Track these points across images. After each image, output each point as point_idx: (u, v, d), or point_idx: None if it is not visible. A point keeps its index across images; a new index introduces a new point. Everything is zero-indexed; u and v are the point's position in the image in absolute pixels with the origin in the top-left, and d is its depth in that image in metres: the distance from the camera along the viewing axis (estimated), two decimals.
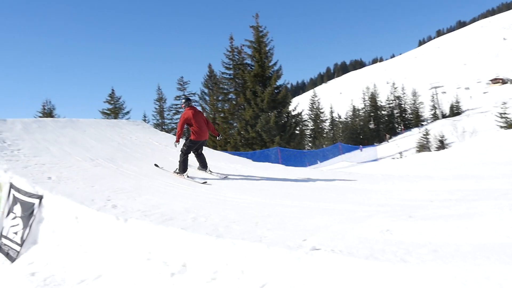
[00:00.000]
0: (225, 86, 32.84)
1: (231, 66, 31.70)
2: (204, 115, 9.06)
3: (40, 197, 6.14)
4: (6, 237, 6.40)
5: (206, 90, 37.88)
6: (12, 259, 5.98)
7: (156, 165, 8.89)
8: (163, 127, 40.50)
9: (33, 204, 6.18)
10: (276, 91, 29.23)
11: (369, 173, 10.77)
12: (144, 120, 34.48)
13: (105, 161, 8.59)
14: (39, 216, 6.08)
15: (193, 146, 8.60)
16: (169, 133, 24.04)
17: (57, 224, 5.85)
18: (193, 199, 6.10)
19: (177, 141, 8.66)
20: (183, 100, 8.91)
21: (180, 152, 8.55)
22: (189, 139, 8.64)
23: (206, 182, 7.86)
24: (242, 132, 28.69)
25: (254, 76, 29.20)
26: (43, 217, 6.05)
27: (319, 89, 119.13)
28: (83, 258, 5.19)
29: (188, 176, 8.26)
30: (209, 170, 8.76)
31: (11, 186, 6.70)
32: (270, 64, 29.66)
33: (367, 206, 5.38)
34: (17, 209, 6.41)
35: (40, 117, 33.37)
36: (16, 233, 6.24)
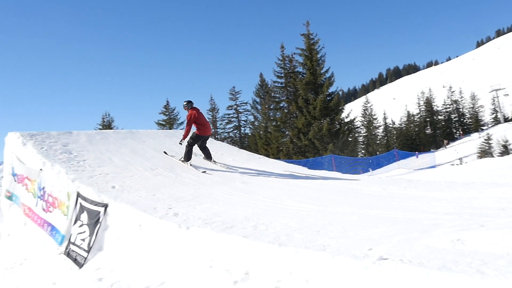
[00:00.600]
0: (277, 95, 32.93)
1: (282, 75, 31.79)
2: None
3: (105, 206, 6.37)
4: (74, 244, 6.69)
5: (257, 99, 38.20)
6: (80, 265, 6.23)
7: (165, 152, 10.40)
8: (216, 136, 41.12)
9: (99, 212, 6.43)
10: (328, 98, 28.98)
11: (430, 180, 10.39)
12: None
13: (165, 171, 8.82)
14: (104, 223, 6.31)
15: (198, 140, 9.89)
16: (222, 142, 24.37)
17: (121, 231, 6.05)
18: (252, 207, 6.11)
19: (183, 139, 9.89)
20: (185, 103, 10.07)
21: (187, 144, 9.83)
22: (195, 134, 9.84)
23: (205, 171, 9.19)
24: (294, 140, 28.64)
25: (306, 84, 29.12)
26: (108, 225, 6.28)
27: (372, 95, 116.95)
28: (147, 264, 5.33)
29: (191, 165, 9.63)
30: (213, 161, 10.18)
31: (78, 195, 7.01)
32: (322, 71, 29.48)
33: (432, 214, 5.17)
34: (84, 217, 6.69)
35: (100, 129, 34.81)
36: (83, 240, 6.51)
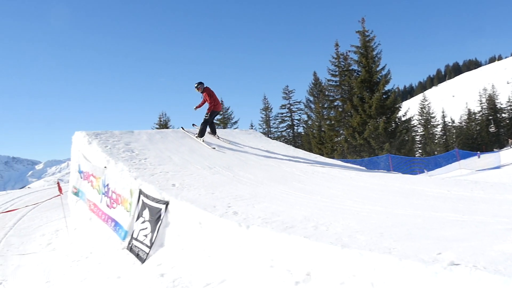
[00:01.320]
0: (331, 93, 32.46)
1: (337, 73, 31.30)
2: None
3: (166, 203, 6.53)
4: (136, 239, 6.91)
5: (311, 98, 37.91)
6: (142, 260, 6.42)
7: (182, 128, 11.93)
8: (269, 135, 41.19)
9: (160, 209, 6.60)
10: (384, 96, 28.22)
11: (497, 181, 9.85)
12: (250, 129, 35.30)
13: (222, 169, 8.92)
14: (165, 220, 6.47)
15: (214, 115, 11.36)
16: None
17: (182, 228, 6.17)
18: (311, 207, 6.04)
19: (208, 112, 11.20)
20: (199, 84, 11.36)
21: (203, 120, 11.15)
22: (211, 110, 11.11)
23: (214, 148, 10.59)
24: (349, 139, 28.13)
25: (361, 82, 28.51)
26: (169, 222, 6.43)
27: (429, 93, 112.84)
28: (207, 262, 5.40)
29: (203, 141, 10.92)
30: (217, 136, 11.68)
31: (140, 192, 7.23)
32: (378, 69, 28.73)
33: (504, 219, 4.88)
34: (146, 213, 6.89)
35: (157, 128, 35.81)
36: (145, 235, 6.71)
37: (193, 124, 12.08)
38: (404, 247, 3.88)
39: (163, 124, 38.38)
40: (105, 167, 8.60)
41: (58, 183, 10.59)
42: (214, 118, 11.66)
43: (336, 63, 31.41)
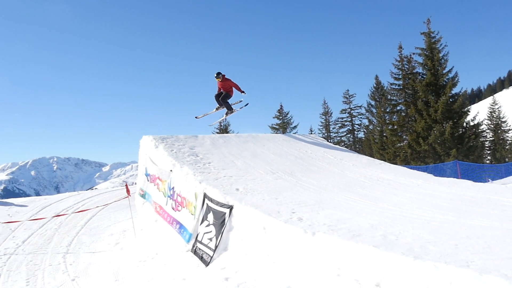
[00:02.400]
0: (394, 97, 31.42)
1: (400, 76, 30.29)
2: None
3: (231, 207, 6.58)
4: (200, 242, 7.01)
5: (373, 102, 36.98)
6: (206, 263, 6.51)
7: (196, 117, 13.61)
8: (329, 140, 40.69)
9: (224, 213, 6.65)
10: (451, 100, 26.95)
11: None
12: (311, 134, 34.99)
13: (285, 174, 8.88)
14: (229, 224, 6.51)
15: (230, 97, 13.16)
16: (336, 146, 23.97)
17: (246, 233, 6.18)
18: (378, 215, 5.86)
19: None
20: (220, 73, 12.75)
21: (225, 101, 13.01)
22: (228, 94, 12.96)
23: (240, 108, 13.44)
24: (413, 145, 27.11)
25: (426, 85, 27.38)
26: (233, 226, 6.47)
27: (500, 96, 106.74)
28: (271, 268, 5.37)
29: (235, 110, 13.32)
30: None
31: (205, 196, 7.34)
32: (444, 71, 27.49)
33: None
34: (211, 217, 6.98)
35: (218, 132, 36.38)
36: (210, 239, 6.79)
37: (196, 117, 13.96)
38: (483, 260, 3.65)
39: (223, 129, 38.94)
40: (171, 170, 8.82)
41: (126, 185, 11.00)
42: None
43: (400, 66, 30.41)
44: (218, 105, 13.34)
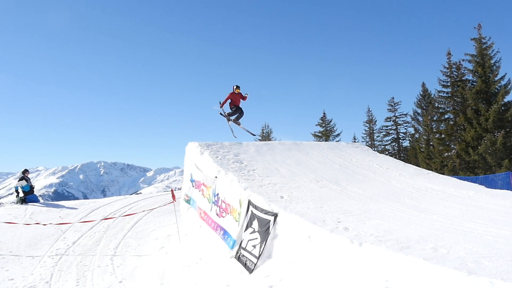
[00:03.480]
0: (442, 105, 30.50)
1: (448, 84, 29.38)
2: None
3: (275, 215, 6.56)
4: (244, 249, 7.03)
5: (419, 110, 35.98)
6: (250, 270, 6.51)
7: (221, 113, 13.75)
8: (373, 149, 39.90)
9: (269, 221, 6.65)
10: (503, 108, 25.86)
11: None
12: (354, 142, 34.47)
13: (330, 183, 8.79)
14: (273, 232, 6.50)
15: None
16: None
17: (290, 241, 6.15)
18: (427, 227, 5.68)
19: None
20: (238, 86, 13.51)
21: (234, 114, 13.68)
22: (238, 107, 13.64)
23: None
24: (461, 155, 26.19)
25: (477, 93, 26.41)
26: (277, 234, 6.45)
27: None
28: (317, 277, 5.31)
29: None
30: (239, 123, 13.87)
31: (250, 203, 7.36)
32: (496, 78, 26.44)
33: None
34: (255, 224, 6.99)
35: (260, 140, 36.50)
36: (254, 246, 6.80)
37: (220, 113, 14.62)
38: None
39: (266, 136, 38.99)
40: (216, 177, 8.91)
41: (172, 190, 11.20)
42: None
43: (448, 73, 29.51)
44: (233, 118, 13.89)
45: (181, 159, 11.26)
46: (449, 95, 29.54)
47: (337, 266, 5.16)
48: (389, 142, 40.95)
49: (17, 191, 15.01)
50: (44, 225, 11.24)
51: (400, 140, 40.68)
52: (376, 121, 41.43)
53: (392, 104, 39.61)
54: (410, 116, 37.55)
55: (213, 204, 8.85)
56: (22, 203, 14.53)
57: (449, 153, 28.95)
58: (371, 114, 41.77)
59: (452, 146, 28.98)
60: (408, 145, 39.19)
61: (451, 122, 29.37)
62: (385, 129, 40.79)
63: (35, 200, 15.06)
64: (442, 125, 30.58)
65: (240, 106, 13.76)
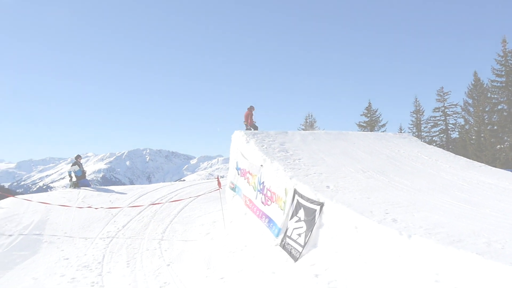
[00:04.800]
0: (495, 95, 29.29)
1: (503, 73, 28.13)
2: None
3: (321, 204, 6.56)
4: (290, 238, 7.08)
5: (470, 101, 34.66)
6: (295, 258, 6.56)
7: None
8: (420, 140, 38.81)
9: (315, 210, 6.65)
10: None
11: None
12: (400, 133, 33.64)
13: (376, 174, 8.67)
14: (319, 221, 6.50)
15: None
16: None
17: (336, 231, 6.14)
18: (480, 221, 5.52)
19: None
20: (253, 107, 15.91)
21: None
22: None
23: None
24: None
25: None
26: (323, 223, 6.44)
27: None
28: (363, 268, 5.28)
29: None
30: None
31: (295, 192, 7.39)
32: None
33: None
34: (301, 213, 7.02)
35: (303, 129, 36.28)
36: (299, 235, 6.83)
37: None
38: None
39: (309, 125, 38.69)
40: (261, 165, 8.98)
41: (218, 178, 11.38)
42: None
43: (503, 62, 28.23)
44: None
45: (224, 148, 11.53)
46: (503, 85, 28.31)
47: (384, 257, 5.11)
48: (437, 133, 39.69)
49: (70, 175, 15.70)
50: (96, 208, 11.73)
51: (449, 131, 39.39)
52: (424, 111, 40.18)
53: (441, 94, 38.29)
54: (460, 106, 36.24)
55: (259, 192, 8.93)
56: (75, 187, 15.19)
57: (502, 146, 27.83)
58: (419, 104, 40.54)
59: (505, 138, 27.82)
60: (457, 136, 37.89)
61: (505, 113, 28.16)
62: (433, 120, 39.52)
63: (87, 184, 15.71)
64: (494, 116, 29.38)
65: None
